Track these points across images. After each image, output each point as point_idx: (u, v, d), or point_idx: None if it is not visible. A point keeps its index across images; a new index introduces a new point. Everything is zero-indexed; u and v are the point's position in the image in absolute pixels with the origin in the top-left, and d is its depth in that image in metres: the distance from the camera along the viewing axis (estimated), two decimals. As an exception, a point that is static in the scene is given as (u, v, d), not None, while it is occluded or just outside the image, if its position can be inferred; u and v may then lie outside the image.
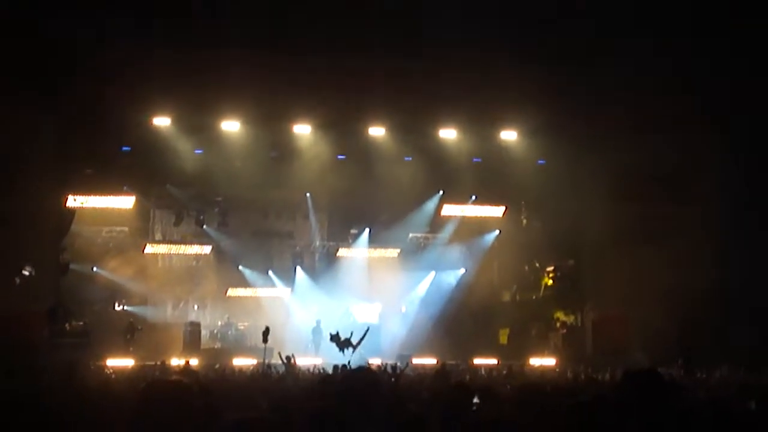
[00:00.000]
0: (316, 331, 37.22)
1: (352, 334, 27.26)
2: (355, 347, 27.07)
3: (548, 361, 36.88)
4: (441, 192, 41.15)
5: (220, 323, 40.26)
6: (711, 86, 33.32)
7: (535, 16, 32.95)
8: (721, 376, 26.35)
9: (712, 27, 32.18)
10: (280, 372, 26.18)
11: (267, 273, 41.21)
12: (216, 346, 38.67)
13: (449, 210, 42.10)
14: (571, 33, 33.46)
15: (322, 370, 28.04)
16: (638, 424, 5.12)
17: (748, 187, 34.86)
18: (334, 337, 27.29)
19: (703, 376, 25.60)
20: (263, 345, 22.41)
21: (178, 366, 30.14)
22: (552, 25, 33.33)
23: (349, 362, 22.72)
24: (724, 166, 35.18)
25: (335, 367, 22.16)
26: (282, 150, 37.73)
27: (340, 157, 38.41)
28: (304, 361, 32.33)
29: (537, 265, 42.64)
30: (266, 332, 22.43)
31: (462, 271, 42.60)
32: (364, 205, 41.12)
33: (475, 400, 9.19)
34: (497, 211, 42.21)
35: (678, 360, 28.69)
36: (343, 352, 25.10)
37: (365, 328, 29.16)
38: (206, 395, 9.47)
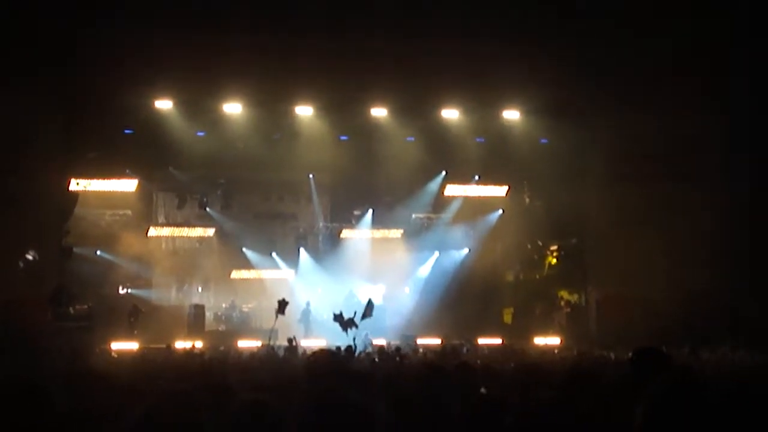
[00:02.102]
0: (305, 313, 37.25)
1: (355, 313, 27.22)
2: (351, 324, 26.97)
3: (553, 340, 36.94)
4: (444, 172, 41.09)
5: (224, 305, 40.28)
6: (714, 63, 33.29)
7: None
8: (725, 355, 26.35)
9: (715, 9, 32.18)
10: (283, 353, 26.25)
11: (270, 255, 41.24)
12: (220, 329, 38.72)
13: (452, 190, 42.03)
14: (574, 12, 33.42)
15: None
16: (643, 402, 5.09)
17: (752, 165, 34.83)
18: (338, 317, 27.33)
19: (710, 356, 25.57)
20: (276, 317, 22.25)
21: (184, 349, 30.29)
22: (554, 3, 33.31)
23: (354, 342, 22.69)
24: (728, 145, 35.17)
25: (338, 347, 22.16)
26: (284, 131, 37.71)
27: (342, 138, 38.42)
28: (309, 342, 32.42)
29: (540, 244, 42.61)
30: (284, 304, 22.21)
31: (465, 251, 42.56)
32: (367, 186, 41.11)
33: (482, 390, 9.17)
34: (500, 190, 42.10)
35: (683, 340, 28.61)
36: (346, 332, 24.98)
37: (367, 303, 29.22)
38: (213, 377, 9.51)
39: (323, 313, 35.68)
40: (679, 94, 34.47)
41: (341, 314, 26.76)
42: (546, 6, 33.40)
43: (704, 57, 33.39)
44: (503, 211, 42.23)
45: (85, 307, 35.22)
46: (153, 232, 40.26)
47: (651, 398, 5.06)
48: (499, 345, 34.16)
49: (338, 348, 22.02)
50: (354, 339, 22.69)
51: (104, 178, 37.26)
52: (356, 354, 21.39)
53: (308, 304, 37.63)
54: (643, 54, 34.57)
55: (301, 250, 42.00)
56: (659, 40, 33.93)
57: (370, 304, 24.55)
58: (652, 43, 34.11)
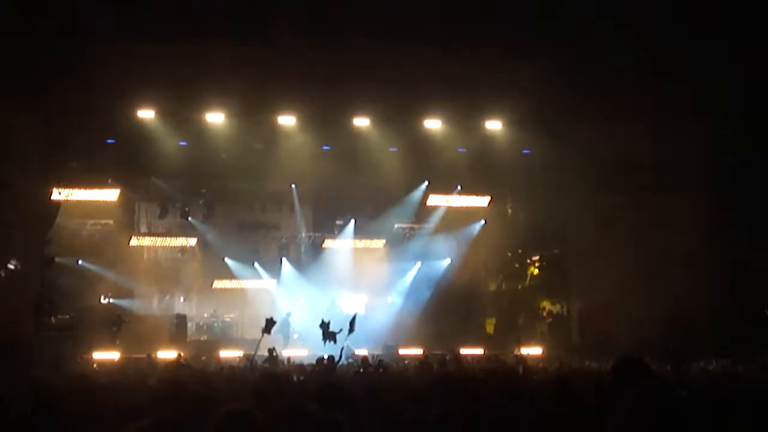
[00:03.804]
0: (285, 323, 36.97)
1: (341, 330, 27.23)
2: (332, 337, 26.98)
3: (535, 351, 36.95)
4: (426, 182, 41.13)
5: (206, 315, 40.19)
6: (697, 73, 33.39)
7: (520, 6, 33.03)
8: (706, 365, 26.41)
9: (697, 15, 32.24)
10: (264, 365, 26.21)
11: (253, 265, 41.09)
12: (202, 338, 38.64)
13: (435, 200, 42.05)
14: (556, 23, 33.51)
15: (303, 363, 28.05)
16: (620, 412, 5.12)
17: (735, 176, 34.92)
18: (323, 325, 27.39)
19: (690, 367, 25.61)
20: (262, 335, 22.23)
21: (165, 359, 30.23)
22: (536, 15, 33.40)
23: (341, 354, 22.73)
24: (711, 155, 35.27)
25: (320, 358, 22.15)
26: (267, 141, 37.72)
27: (325, 148, 38.45)
28: (289, 352, 32.40)
29: (523, 254, 42.64)
30: (270, 323, 22.23)
31: (448, 261, 42.51)
32: (350, 196, 41.05)
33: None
34: (483, 201, 42.15)
35: (664, 351, 28.65)
36: (324, 343, 24.99)
37: (351, 318, 29.10)
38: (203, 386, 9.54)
39: (305, 322, 35.62)
40: (664, 104, 34.59)
41: (328, 324, 26.84)
42: (529, 17, 33.47)
43: (691, 67, 33.50)
44: (485, 221, 42.25)
45: (67, 317, 35.11)
46: (135, 241, 40.12)
47: (625, 411, 5.07)
48: (481, 355, 34.17)
49: (321, 358, 22.02)
50: (342, 350, 22.77)
51: (86, 188, 37.15)
52: (339, 364, 21.37)
53: (288, 314, 37.43)
54: (628, 64, 34.66)
55: (284, 260, 41.91)
56: (644, 50, 34.03)
57: (353, 321, 24.56)
58: (637, 53, 34.21)
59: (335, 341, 24.70)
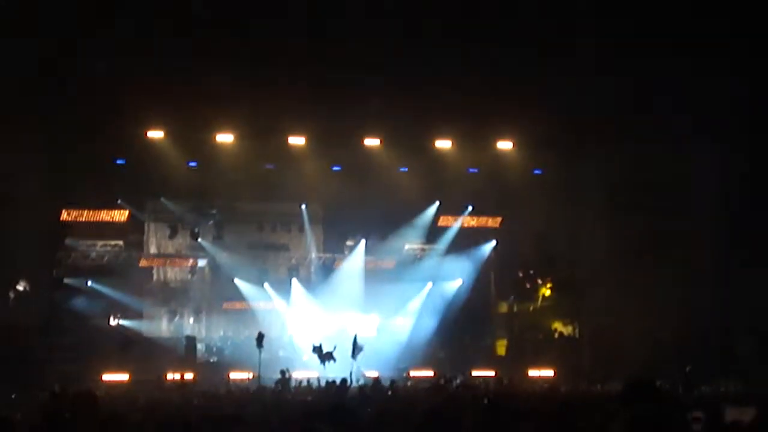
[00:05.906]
0: (291, 345, 36.83)
1: (335, 347, 27.11)
2: (329, 357, 26.88)
3: (546, 373, 36.75)
4: (437, 203, 41.00)
5: (215, 337, 40.03)
6: (708, 95, 33.28)
7: (533, 27, 33.01)
8: (718, 388, 26.26)
9: (710, 37, 32.16)
10: (276, 386, 26.12)
11: (262, 286, 40.88)
12: (212, 360, 38.45)
13: (445, 221, 41.92)
14: (570, 44, 33.45)
15: (318, 381, 27.95)
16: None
17: (747, 198, 34.77)
18: (317, 349, 27.25)
19: (702, 390, 25.46)
20: (258, 351, 22.18)
21: (174, 381, 30.12)
22: (550, 35, 33.35)
23: (351, 375, 22.64)
24: (723, 177, 35.12)
25: (333, 381, 22.01)
26: (277, 162, 37.68)
27: (335, 168, 38.40)
28: (302, 374, 32.24)
29: (534, 275, 42.43)
30: (260, 338, 22.23)
31: (459, 282, 42.31)
32: (360, 216, 40.79)
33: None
34: (494, 221, 42.03)
35: (676, 374, 28.46)
36: (324, 364, 24.90)
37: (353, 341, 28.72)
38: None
39: (314, 344, 35.51)
40: (675, 125, 34.48)
41: (320, 346, 26.76)
42: (541, 38, 33.41)
43: (701, 90, 33.39)
44: (497, 241, 42.07)
45: (76, 338, 35.01)
46: (144, 262, 40.02)
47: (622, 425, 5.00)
48: (492, 377, 33.97)
49: (333, 381, 21.90)
50: (351, 373, 22.69)
51: (95, 209, 37.13)
52: (350, 386, 21.27)
53: (290, 338, 37.33)
54: (639, 86, 34.57)
55: (294, 280, 41.64)
56: (655, 73, 33.93)
57: (355, 344, 24.53)
58: (648, 76, 34.12)
59: (335, 360, 24.66)
